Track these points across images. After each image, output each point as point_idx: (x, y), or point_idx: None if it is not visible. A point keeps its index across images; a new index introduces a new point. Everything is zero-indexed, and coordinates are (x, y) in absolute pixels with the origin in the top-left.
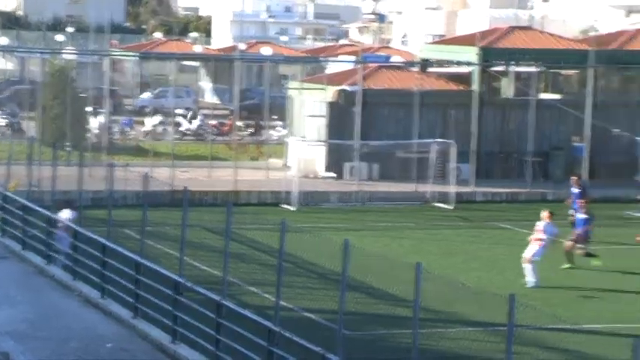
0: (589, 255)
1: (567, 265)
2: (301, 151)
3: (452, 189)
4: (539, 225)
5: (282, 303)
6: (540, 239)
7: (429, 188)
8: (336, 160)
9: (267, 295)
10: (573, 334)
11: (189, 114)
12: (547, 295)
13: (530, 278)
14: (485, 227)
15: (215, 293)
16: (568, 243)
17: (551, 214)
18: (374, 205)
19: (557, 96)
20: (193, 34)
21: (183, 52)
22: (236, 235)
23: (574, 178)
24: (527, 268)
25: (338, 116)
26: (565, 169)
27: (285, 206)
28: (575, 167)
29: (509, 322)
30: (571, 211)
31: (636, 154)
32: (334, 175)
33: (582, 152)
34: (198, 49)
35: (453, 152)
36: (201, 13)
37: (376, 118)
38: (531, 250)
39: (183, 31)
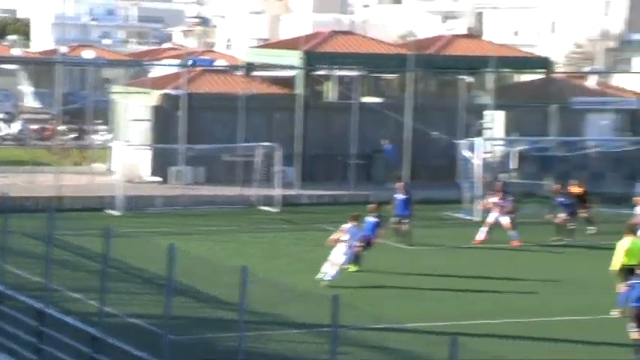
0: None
1: (354, 268)
2: (126, 155)
3: (277, 192)
4: (345, 227)
5: (107, 309)
6: (344, 241)
7: (254, 192)
8: (161, 165)
9: (91, 302)
10: (396, 333)
11: (8, 118)
12: (369, 294)
13: (328, 270)
14: (310, 229)
15: (37, 301)
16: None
17: (357, 217)
18: (199, 209)
19: (378, 99)
20: (11, 37)
21: (0, 55)
22: (60, 241)
23: (400, 184)
24: (329, 265)
25: (163, 120)
26: (387, 171)
27: (110, 211)
28: (396, 169)
29: (333, 323)
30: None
31: (455, 156)
32: (160, 179)
33: (393, 154)
34: (16, 51)
35: (278, 156)
36: (19, 15)
37: (201, 121)
38: (339, 252)
39: (1, 34)
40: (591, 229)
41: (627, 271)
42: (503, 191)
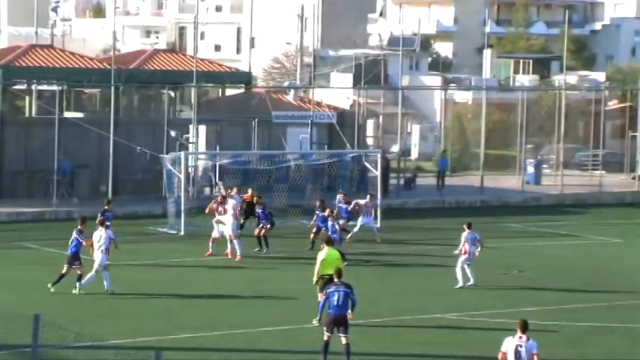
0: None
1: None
2: None
3: None
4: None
5: None
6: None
7: None
8: None
9: None
10: (98, 350)
11: None
12: (72, 313)
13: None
14: (10, 248)
15: None
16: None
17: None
18: None
19: (80, 114)
20: None
21: None
22: None
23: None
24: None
25: None
26: (91, 186)
27: None
28: (101, 184)
29: (33, 342)
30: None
31: (160, 171)
32: None
33: (67, 168)
34: None
35: None
36: None
37: None
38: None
39: None
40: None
41: (327, 281)
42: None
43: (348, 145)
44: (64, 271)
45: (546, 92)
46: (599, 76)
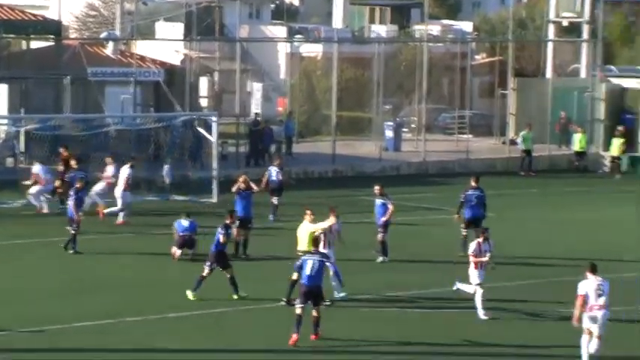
0: None
1: None
2: None
3: None
4: None
5: None
6: None
7: None
8: None
9: None
10: None
11: None
12: None
13: None
14: None
15: None
16: None
17: None
18: None
19: None
20: None
21: None
22: None
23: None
24: None
25: None
26: None
27: None
28: None
29: None
30: None
31: None
32: None
33: None
34: None
35: None
36: None
37: None
38: None
39: None
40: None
41: None
42: None
43: (177, 106)
44: None
45: (406, 45)
46: (466, 26)
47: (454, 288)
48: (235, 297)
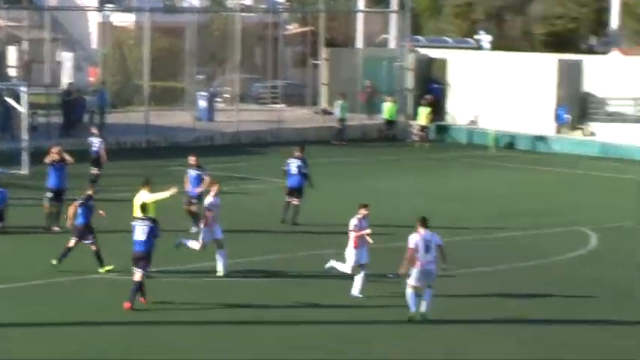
0: None
1: None
2: None
3: None
4: None
5: None
6: None
7: None
8: None
9: None
10: None
11: None
12: None
13: None
14: None
15: None
16: None
17: None
18: None
19: None
20: None
21: None
22: None
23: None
24: None
25: None
26: None
27: None
28: None
29: None
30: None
31: None
32: None
33: None
34: None
35: None
36: None
37: None
38: None
39: None
40: None
41: None
42: None
43: None
44: None
45: (219, 14)
46: None
47: (326, 266)
48: (54, 262)
